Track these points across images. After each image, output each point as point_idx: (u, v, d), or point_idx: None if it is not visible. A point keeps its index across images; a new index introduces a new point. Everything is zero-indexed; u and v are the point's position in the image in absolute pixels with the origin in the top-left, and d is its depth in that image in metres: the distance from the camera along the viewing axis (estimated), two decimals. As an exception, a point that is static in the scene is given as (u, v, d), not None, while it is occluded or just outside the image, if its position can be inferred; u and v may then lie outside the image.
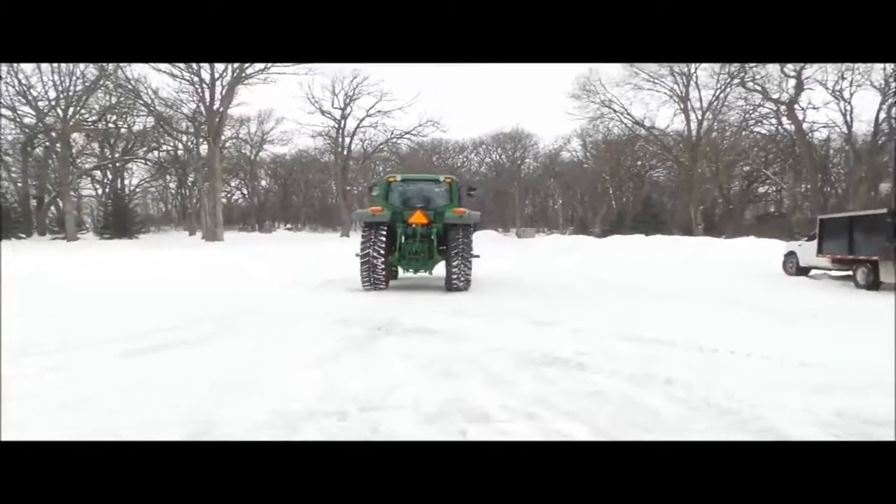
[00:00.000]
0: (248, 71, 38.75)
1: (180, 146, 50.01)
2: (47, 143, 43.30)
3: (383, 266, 11.47)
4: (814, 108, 37.82)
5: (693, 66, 40.61)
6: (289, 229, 67.03)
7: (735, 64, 36.38)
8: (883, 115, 34.64)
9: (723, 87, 40.98)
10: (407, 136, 55.81)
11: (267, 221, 72.25)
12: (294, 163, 68.91)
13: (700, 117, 43.29)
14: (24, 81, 38.10)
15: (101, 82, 39.21)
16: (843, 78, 35.06)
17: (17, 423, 3.49)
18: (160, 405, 3.96)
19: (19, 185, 44.80)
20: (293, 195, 76.25)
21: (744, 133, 44.06)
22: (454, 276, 11.31)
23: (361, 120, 54.14)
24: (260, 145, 62.42)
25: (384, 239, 11.36)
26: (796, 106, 37.24)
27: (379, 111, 52.68)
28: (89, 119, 42.87)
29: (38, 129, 41.53)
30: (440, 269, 12.11)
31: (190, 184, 54.40)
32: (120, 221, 42.70)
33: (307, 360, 5.40)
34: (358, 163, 60.04)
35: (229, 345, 6.17)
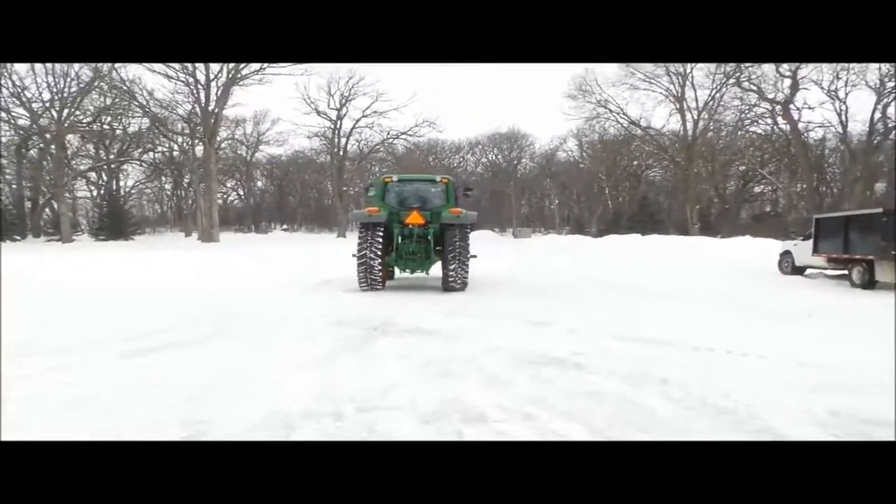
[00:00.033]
0: (244, 71, 38.64)
1: (176, 147, 49.88)
2: (42, 145, 43.18)
3: (380, 266, 11.44)
4: (809, 107, 38.20)
5: (689, 65, 40.75)
6: (285, 230, 67.08)
7: (731, 64, 36.54)
8: (878, 114, 34.89)
9: (718, 87, 41.17)
10: (403, 136, 55.88)
11: (263, 222, 72.24)
12: (290, 164, 68.90)
13: (696, 117, 43.49)
14: (18, 83, 38.06)
15: (96, 83, 39.05)
16: (839, 78, 35.32)
17: (17, 423, 3.50)
18: (159, 405, 3.96)
19: (14, 186, 44.59)
20: (289, 196, 76.27)
21: (739, 133, 44.20)
22: (451, 277, 11.30)
23: (357, 120, 54.21)
24: (256, 146, 62.39)
25: (381, 239, 11.33)
26: (792, 106, 37.41)
27: (375, 111, 52.78)
28: (84, 120, 42.65)
29: (32, 131, 41.33)
30: (437, 270, 12.11)
31: (185, 185, 54.43)
32: (115, 223, 42.62)
33: (304, 360, 5.40)
34: (354, 163, 60.02)
35: (226, 346, 6.16)
